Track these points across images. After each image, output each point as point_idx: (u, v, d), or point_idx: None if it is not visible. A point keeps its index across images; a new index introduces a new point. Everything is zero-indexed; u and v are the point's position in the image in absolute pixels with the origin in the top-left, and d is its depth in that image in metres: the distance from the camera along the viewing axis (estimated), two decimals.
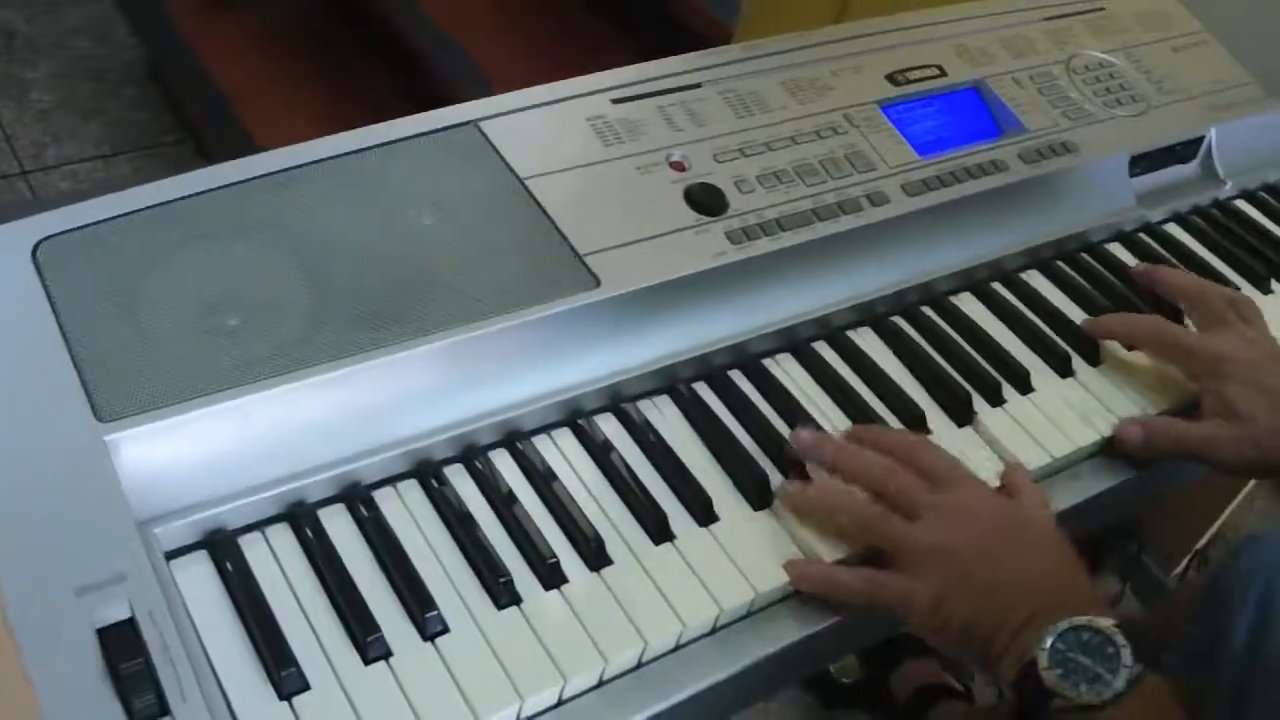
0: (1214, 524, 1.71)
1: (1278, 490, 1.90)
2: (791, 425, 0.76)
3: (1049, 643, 0.62)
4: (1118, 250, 0.96)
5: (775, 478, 0.73)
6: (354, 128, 0.78)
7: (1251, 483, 1.72)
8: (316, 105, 1.81)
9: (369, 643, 0.59)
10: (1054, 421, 0.79)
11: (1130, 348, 0.85)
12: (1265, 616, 0.98)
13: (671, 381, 0.76)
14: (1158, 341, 0.83)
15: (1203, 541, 1.71)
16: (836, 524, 0.70)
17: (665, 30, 1.70)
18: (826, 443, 0.73)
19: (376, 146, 0.77)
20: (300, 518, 0.64)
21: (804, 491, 0.71)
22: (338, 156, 0.76)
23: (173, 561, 0.62)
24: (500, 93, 0.83)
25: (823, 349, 0.82)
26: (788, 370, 0.80)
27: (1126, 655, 0.61)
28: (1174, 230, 0.99)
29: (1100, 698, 0.60)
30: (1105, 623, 0.62)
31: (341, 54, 1.98)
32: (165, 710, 0.54)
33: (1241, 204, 1.05)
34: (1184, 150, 1.02)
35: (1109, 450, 0.80)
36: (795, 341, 0.81)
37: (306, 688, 0.58)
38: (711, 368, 0.78)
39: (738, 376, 0.78)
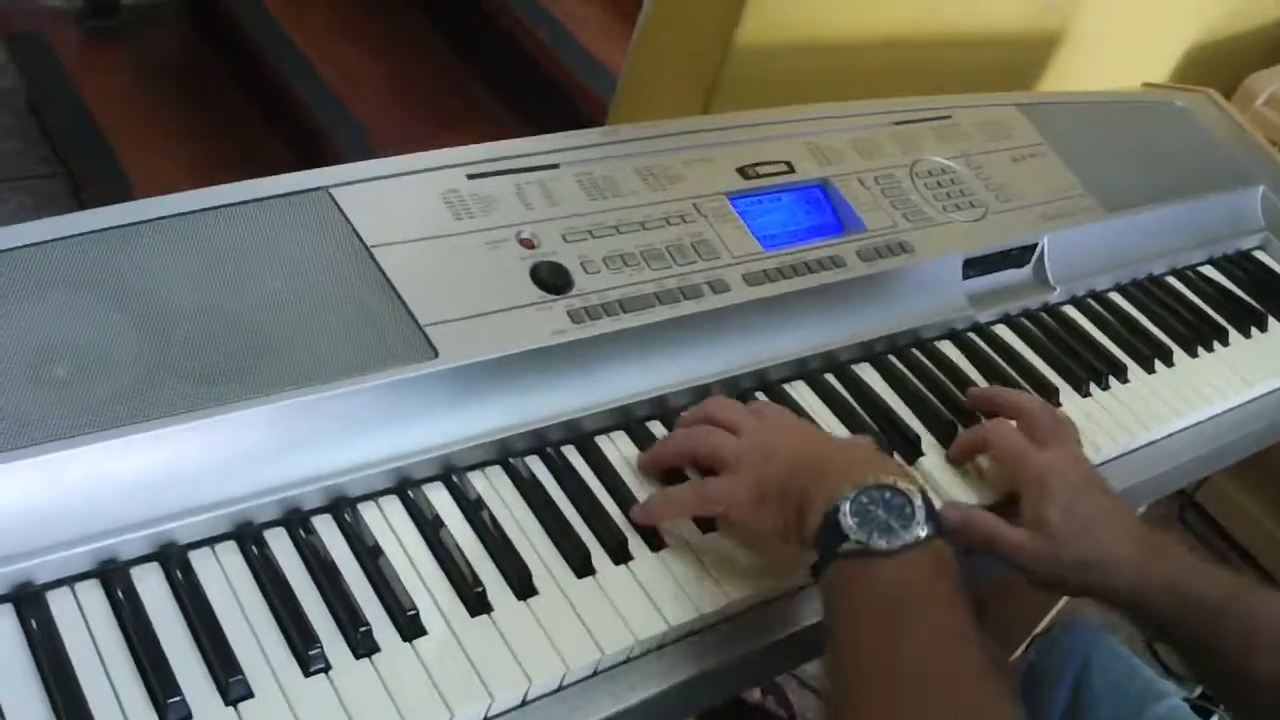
0: (1053, 609, 1.77)
1: None
2: (619, 502, 0.78)
3: (854, 494, 0.68)
4: (947, 348, 1.00)
5: (597, 551, 0.75)
6: (230, 176, 0.79)
7: None
8: (194, 149, 1.81)
9: (169, 705, 0.59)
10: None
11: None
12: (1077, 703, 1.03)
13: (504, 454, 0.78)
14: (999, 444, 0.86)
15: (1041, 626, 1.77)
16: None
17: (551, 106, 1.74)
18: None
19: (225, 206, 0.77)
20: (111, 575, 0.64)
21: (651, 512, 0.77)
22: (185, 214, 0.76)
23: None
24: (386, 154, 0.85)
25: (656, 428, 0.84)
26: (620, 448, 0.82)
27: (921, 516, 0.67)
28: (1002, 331, 1.05)
29: (889, 546, 0.66)
30: (909, 486, 0.68)
31: (225, 102, 1.98)
32: None
33: (1069, 310, 1.11)
34: (1018, 255, 1.08)
35: None
36: (630, 420, 0.83)
37: None
38: (545, 442, 0.80)
39: (571, 452, 0.80)
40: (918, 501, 0.67)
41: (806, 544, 0.70)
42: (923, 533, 0.66)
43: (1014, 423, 0.88)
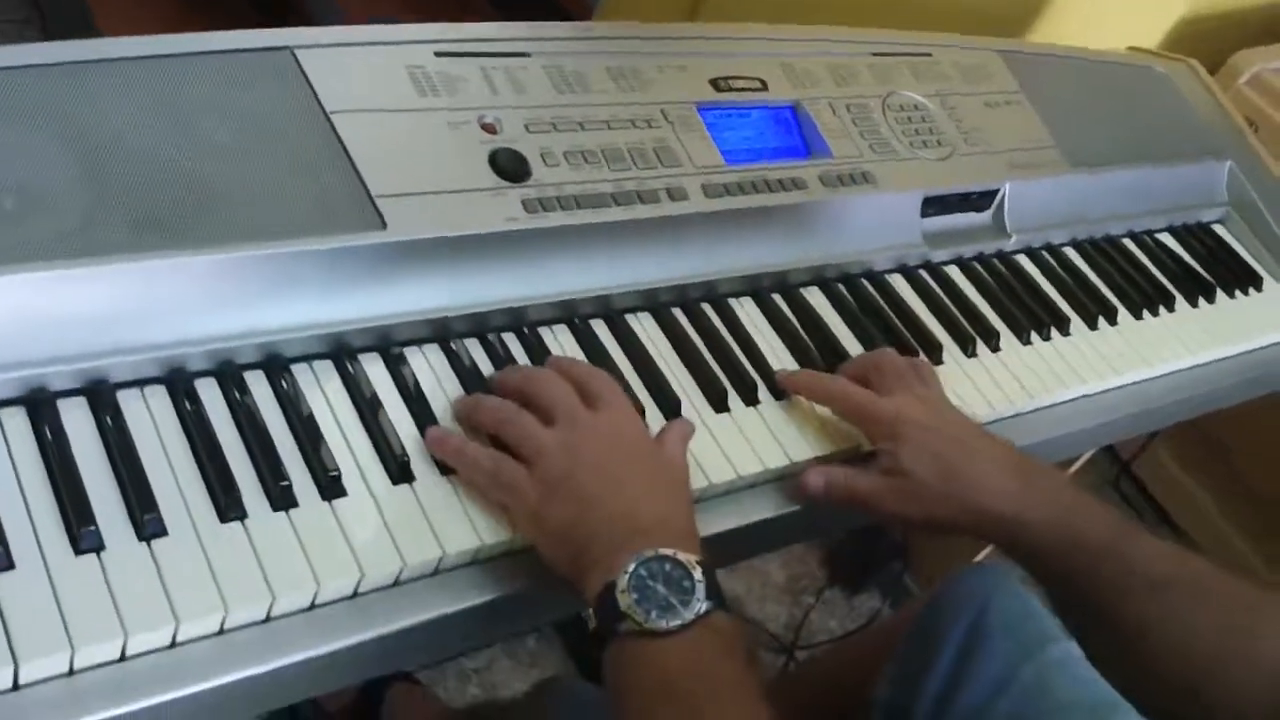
0: (980, 552, 1.80)
1: None
2: None
3: (631, 567, 0.65)
4: (897, 282, 1.01)
5: None
6: None
7: None
8: (169, 7, 1.77)
9: (82, 533, 0.60)
10: (798, 426, 0.84)
11: None
12: (970, 642, 1.02)
13: (444, 334, 0.79)
14: (839, 402, 0.85)
15: None
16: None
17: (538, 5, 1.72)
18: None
19: (186, 55, 0.77)
20: (38, 405, 0.64)
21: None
22: (145, 58, 0.75)
23: None
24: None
25: (598, 327, 0.85)
26: (561, 342, 0.83)
27: (700, 590, 0.65)
28: (953, 272, 1.06)
29: (666, 625, 0.63)
30: (688, 557, 0.66)
31: None
32: None
33: (1022, 259, 1.12)
34: (978, 200, 1.09)
35: None
36: (573, 316, 0.84)
37: (11, 567, 0.58)
38: (486, 327, 0.80)
39: (511, 340, 0.81)
40: (697, 574, 0.65)
41: (584, 600, 0.67)
42: (702, 608, 0.64)
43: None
